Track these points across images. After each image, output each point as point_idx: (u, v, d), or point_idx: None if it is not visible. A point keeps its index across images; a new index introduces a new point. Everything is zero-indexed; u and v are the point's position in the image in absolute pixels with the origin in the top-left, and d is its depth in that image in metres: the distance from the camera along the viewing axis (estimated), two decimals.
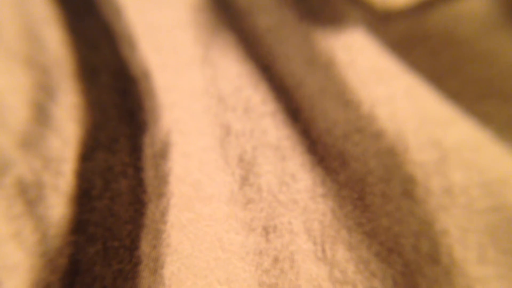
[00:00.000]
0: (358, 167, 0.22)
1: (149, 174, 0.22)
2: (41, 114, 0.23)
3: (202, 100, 0.25)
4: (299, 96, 0.25)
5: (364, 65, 0.25)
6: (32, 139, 0.22)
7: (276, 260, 0.20)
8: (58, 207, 0.20)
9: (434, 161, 0.22)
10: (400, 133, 0.23)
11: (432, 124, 0.23)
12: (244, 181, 0.22)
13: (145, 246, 0.20)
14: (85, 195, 0.21)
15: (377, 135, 0.23)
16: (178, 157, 0.23)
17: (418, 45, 0.26)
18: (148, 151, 0.23)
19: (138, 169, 0.22)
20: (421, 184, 0.22)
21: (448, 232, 0.20)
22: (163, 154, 0.23)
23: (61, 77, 0.24)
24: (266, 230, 0.21)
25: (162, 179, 0.22)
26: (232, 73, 0.26)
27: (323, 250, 0.20)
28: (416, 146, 0.23)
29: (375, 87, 0.25)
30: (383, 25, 0.27)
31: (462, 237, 0.20)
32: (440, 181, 0.21)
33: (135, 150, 0.23)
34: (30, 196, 0.20)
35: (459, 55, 0.25)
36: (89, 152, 0.22)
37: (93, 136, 0.23)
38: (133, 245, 0.20)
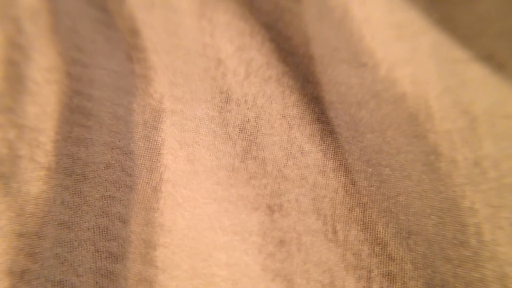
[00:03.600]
0: (374, 137, 0.21)
1: (139, 145, 0.21)
2: (15, 76, 0.21)
3: (198, 62, 0.23)
4: (309, 58, 0.24)
5: (381, 21, 0.23)
6: (6, 104, 0.20)
7: (282, 242, 0.19)
8: (35, 182, 0.19)
9: (461, 130, 0.21)
10: (422, 98, 0.22)
11: (459, 87, 0.22)
12: (247, 153, 0.21)
13: (135, 226, 0.19)
14: (65, 169, 0.20)
15: (396, 101, 0.22)
16: (172, 127, 0.21)
17: None
18: (138, 120, 0.22)
19: (122, 131, 0.21)
20: (446, 156, 0.21)
21: (476, 210, 0.19)
22: (155, 123, 0.21)
23: (36, 33, 0.23)
24: (271, 209, 0.20)
25: (154, 151, 0.21)
26: (233, 31, 0.24)
27: (334, 231, 0.19)
28: (441, 113, 0.21)
29: (394, 46, 0.23)
30: None
31: (492, 216, 0.19)
32: (468, 152, 0.21)
33: (123, 118, 0.21)
34: (4, 169, 0.19)
35: (496, 5, 0.23)
36: (69, 121, 0.21)
37: (74, 102, 0.21)
38: (121, 225, 0.19)
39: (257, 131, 0.21)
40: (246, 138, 0.21)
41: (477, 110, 0.21)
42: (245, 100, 0.22)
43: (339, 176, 0.20)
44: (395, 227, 0.19)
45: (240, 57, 0.23)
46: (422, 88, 0.22)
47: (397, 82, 0.22)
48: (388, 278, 0.18)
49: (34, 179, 0.19)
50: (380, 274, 0.18)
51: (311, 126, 0.21)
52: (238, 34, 0.24)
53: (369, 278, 0.18)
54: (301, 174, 0.20)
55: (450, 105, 0.21)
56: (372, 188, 0.20)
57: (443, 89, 0.22)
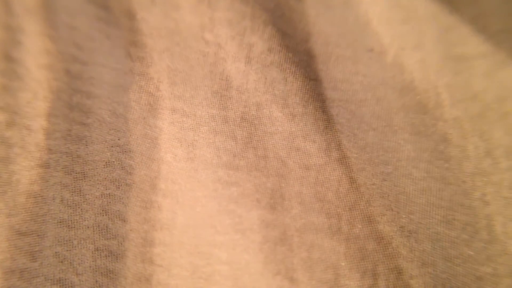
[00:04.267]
0: (377, 134, 0.21)
1: (135, 136, 0.21)
2: (5, 60, 0.21)
3: (197, 48, 0.23)
4: (312, 43, 0.23)
5: (388, 4, 0.23)
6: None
7: (284, 236, 0.19)
8: (27, 171, 0.19)
9: (471, 118, 0.21)
10: (431, 85, 0.21)
11: (469, 73, 0.21)
12: (247, 144, 0.21)
13: (134, 224, 0.19)
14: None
15: (404, 88, 0.21)
16: (169, 115, 0.21)
17: None
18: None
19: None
20: (456, 145, 0.20)
21: (488, 202, 0.19)
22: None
23: (27, 16, 0.22)
24: (271, 206, 0.19)
25: (151, 142, 0.20)
26: (233, 15, 0.23)
27: (338, 226, 0.19)
28: (451, 100, 0.21)
29: (402, 31, 0.22)
30: None
31: (504, 207, 0.19)
32: (479, 141, 0.20)
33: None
34: None
35: (498, 3, 0.23)
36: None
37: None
38: (121, 223, 0.19)
39: (259, 120, 0.21)
40: (247, 128, 0.21)
41: (489, 97, 0.21)
42: (246, 87, 0.22)
43: (344, 167, 0.20)
44: (402, 220, 0.19)
45: (240, 42, 0.23)
46: (431, 75, 0.21)
47: (405, 68, 0.22)
48: (394, 273, 0.18)
49: (25, 168, 0.19)
50: (386, 270, 0.18)
51: (315, 114, 0.21)
52: (239, 18, 0.23)
53: (374, 274, 0.18)
54: (304, 165, 0.20)
55: (460, 93, 0.21)
56: (377, 180, 0.20)
57: (453, 76, 0.21)
